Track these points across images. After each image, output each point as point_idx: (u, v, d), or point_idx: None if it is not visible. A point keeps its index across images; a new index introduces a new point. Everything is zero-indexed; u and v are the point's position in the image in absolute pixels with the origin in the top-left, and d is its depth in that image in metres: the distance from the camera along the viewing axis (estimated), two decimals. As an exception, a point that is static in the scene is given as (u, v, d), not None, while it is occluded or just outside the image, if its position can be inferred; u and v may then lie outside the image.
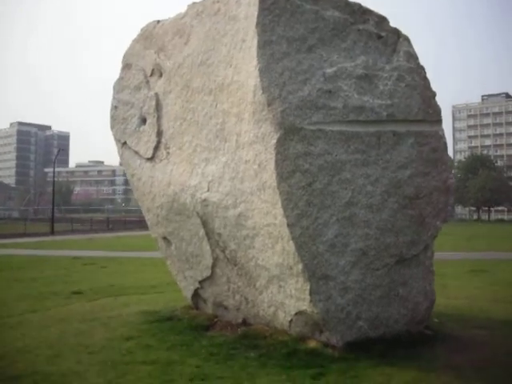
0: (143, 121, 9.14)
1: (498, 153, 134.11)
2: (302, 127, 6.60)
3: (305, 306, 6.93)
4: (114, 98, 9.70)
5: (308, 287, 6.75)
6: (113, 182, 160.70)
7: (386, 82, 7.08)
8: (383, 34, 7.26)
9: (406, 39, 7.39)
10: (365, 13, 7.21)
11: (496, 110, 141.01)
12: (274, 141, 6.54)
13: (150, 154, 8.88)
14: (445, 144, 7.57)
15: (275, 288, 7.36)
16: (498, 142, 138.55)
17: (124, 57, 9.66)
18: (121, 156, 9.67)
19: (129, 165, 9.44)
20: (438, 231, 7.68)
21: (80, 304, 10.85)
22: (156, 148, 8.78)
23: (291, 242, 6.67)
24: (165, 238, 9.12)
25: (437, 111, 7.45)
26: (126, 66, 9.54)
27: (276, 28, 6.63)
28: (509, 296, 11.49)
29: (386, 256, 7.20)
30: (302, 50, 6.73)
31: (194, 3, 8.27)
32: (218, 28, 7.50)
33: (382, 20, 7.31)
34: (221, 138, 7.54)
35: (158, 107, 8.73)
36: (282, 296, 7.28)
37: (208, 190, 7.78)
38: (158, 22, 9.17)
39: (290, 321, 7.34)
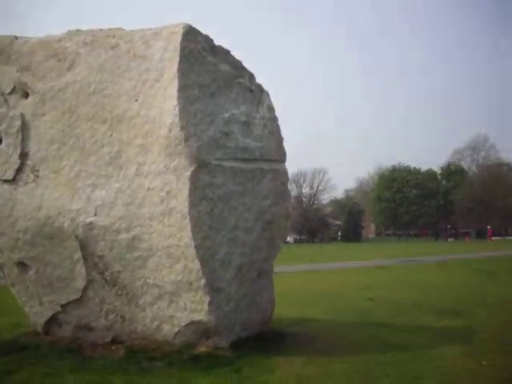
0: (-3, 140, 8.68)
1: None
2: (210, 162, 7.77)
3: (200, 316, 7.96)
4: (-46, 111, 8.82)
5: (208, 299, 7.85)
6: None
7: (258, 127, 8.77)
8: (253, 87, 8.94)
9: (267, 94, 9.22)
10: (243, 69, 8.79)
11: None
12: (189, 173, 7.53)
13: (10, 175, 8.49)
14: (288, 179, 9.62)
15: (164, 303, 8.15)
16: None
17: (-34, 68, 8.90)
18: (-39, 175, 8.82)
19: (-26, 186, 8.72)
20: (280, 249, 9.64)
21: None
22: (19, 170, 8.49)
23: (196, 260, 7.68)
24: (20, 264, 8.75)
25: (284, 152, 9.46)
26: (-30, 79, 8.83)
27: (191, 74, 7.67)
28: (300, 301, 14.15)
29: (252, 270, 8.81)
30: (207, 96, 7.92)
31: (77, 30, 8.45)
32: (118, 63, 7.98)
33: (252, 76, 8.98)
34: (115, 165, 8.00)
35: (24, 128, 8.48)
36: (173, 310, 8.13)
37: (95, 215, 8.08)
38: (16, 37, 8.87)
39: (177, 332, 8.22)
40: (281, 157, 9.35)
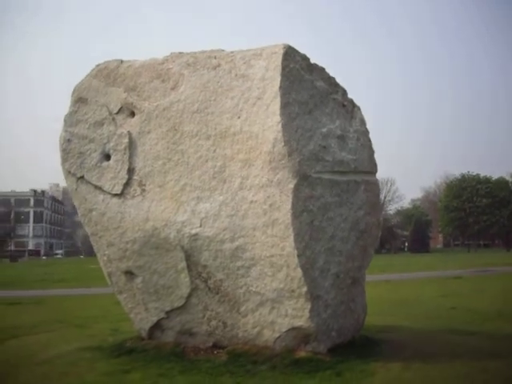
0: (106, 157, 9.33)
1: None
2: (310, 175, 8.12)
3: (301, 322, 8.28)
4: (65, 131, 9.53)
5: (309, 306, 8.17)
6: None
7: (352, 141, 9.05)
8: (346, 103, 9.26)
9: (359, 108, 9.51)
10: (336, 85, 9.12)
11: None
12: (292, 185, 7.90)
13: (118, 190, 9.11)
14: (379, 190, 9.84)
15: (266, 310, 8.51)
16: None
17: (76, 90, 9.59)
18: (74, 190, 9.50)
19: (85, 199, 9.38)
20: (372, 258, 9.87)
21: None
22: (126, 184, 9.09)
23: (298, 269, 8.02)
24: (127, 272, 9.33)
25: (375, 165, 9.70)
26: (80, 100, 9.52)
27: (291, 92, 8.07)
28: (380, 310, 14.27)
29: (348, 278, 9.06)
30: (306, 112, 8.29)
31: (180, 53, 9.01)
32: (220, 82, 8.47)
33: (344, 92, 9.30)
34: (219, 179, 8.46)
35: (131, 145, 9.09)
36: (274, 316, 8.48)
37: (200, 226, 8.55)
38: (122, 61, 9.52)
39: (278, 337, 8.56)
40: (372, 169, 9.59)
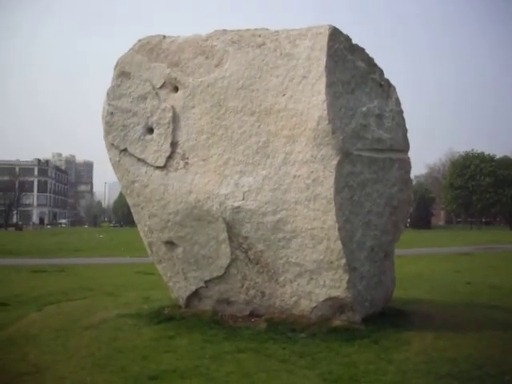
0: (149, 130, 9.61)
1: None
2: (352, 152, 8.43)
3: (338, 292, 8.69)
4: (108, 104, 9.79)
5: (347, 277, 8.56)
6: None
7: (388, 120, 9.32)
8: (383, 83, 9.50)
9: (394, 88, 9.74)
10: (374, 65, 9.35)
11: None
12: (335, 162, 8.22)
13: (161, 162, 9.41)
14: (411, 168, 10.14)
15: (304, 281, 8.91)
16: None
17: (119, 64, 9.81)
18: (117, 162, 9.79)
19: (128, 171, 9.70)
20: (402, 232, 10.24)
21: (37, 314, 10.48)
22: (169, 158, 9.40)
23: (338, 241, 8.40)
24: (168, 243, 9.70)
25: (408, 143, 9.98)
26: (123, 74, 9.76)
27: (336, 72, 8.34)
28: (400, 284, 14.65)
29: (381, 251, 9.45)
30: (348, 91, 8.57)
31: (224, 30, 9.21)
32: (266, 60, 8.70)
33: (381, 72, 9.53)
34: (262, 154, 8.76)
35: (175, 119, 9.37)
36: (312, 287, 8.88)
37: (243, 199, 8.89)
38: (164, 37, 9.73)
39: (314, 307, 8.98)
40: (406, 147, 9.88)
